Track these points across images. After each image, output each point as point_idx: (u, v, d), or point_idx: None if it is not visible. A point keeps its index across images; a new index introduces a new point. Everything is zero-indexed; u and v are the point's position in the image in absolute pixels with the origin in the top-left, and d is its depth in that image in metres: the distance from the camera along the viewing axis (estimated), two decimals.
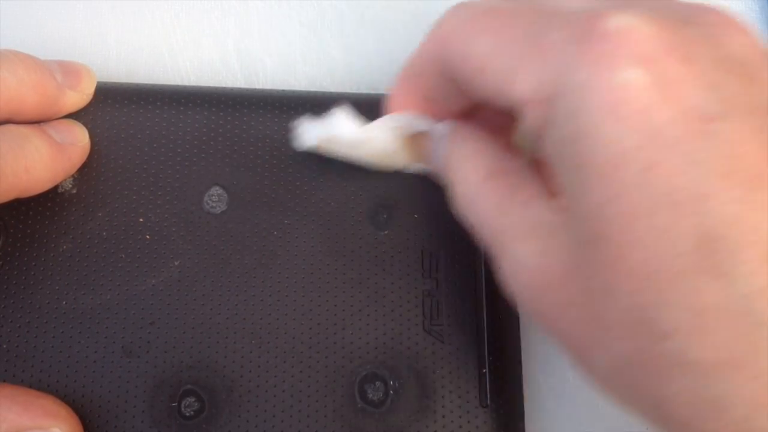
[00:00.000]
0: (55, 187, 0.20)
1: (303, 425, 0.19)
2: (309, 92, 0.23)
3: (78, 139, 0.20)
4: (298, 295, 0.20)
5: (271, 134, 0.22)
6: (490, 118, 0.19)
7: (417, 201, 0.21)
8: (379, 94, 0.23)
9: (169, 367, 0.19)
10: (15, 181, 0.18)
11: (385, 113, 0.20)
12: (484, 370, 0.20)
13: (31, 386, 0.19)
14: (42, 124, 0.20)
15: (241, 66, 0.24)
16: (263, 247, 0.21)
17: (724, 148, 0.13)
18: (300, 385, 0.19)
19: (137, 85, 0.22)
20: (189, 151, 0.21)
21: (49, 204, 0.20)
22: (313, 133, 0.21)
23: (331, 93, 0.23)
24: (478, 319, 0.20)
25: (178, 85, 0.23)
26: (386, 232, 0.21)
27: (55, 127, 0.20)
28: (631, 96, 0.14)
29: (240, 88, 0.23)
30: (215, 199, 0.21)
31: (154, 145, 0.21)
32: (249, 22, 0.25)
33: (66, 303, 0.20)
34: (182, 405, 0.19)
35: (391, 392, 0.20)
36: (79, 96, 0.21)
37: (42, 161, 0.19)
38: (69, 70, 0.20)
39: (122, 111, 0.21)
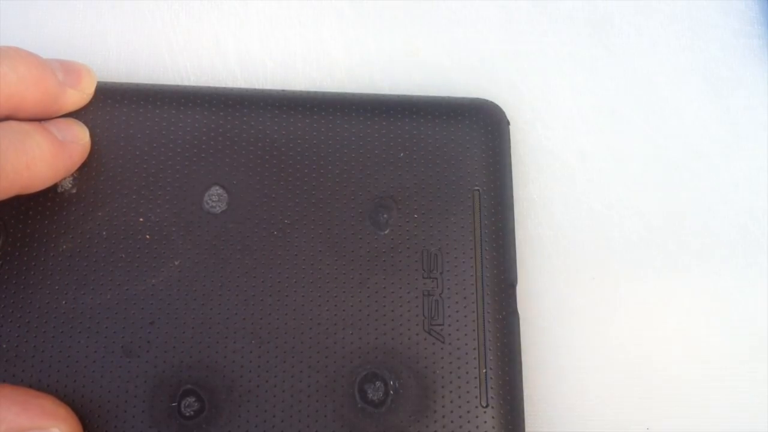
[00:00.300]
0: (55, 187, 0.20)
1: (303, 425, 0.19)
2: (309, 92, 0.23)
3: (79, 137, 0.20)
4: (298, 295, 0.20)
5: (271, 134, 0.22)
6: None
7: (417, 201, 0.21)
8: (379, 94, 0.23)
9: (168, 367, 0.19)
10: (16, 178, 0.18)
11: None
12: (484, 370, 0.20)
13: (30, 386, 0.19)
14: (43, 122, 0.20)
15: (241, 66, 0.24)
16: (263, 247, 0.21)
17: None
18: (300, 385, 0.19)
19: (137, 85, 0.22)
20: (189, 151, 0.21)
21: (48, 203, 0.20)
22: None
23: (331, 93, 0.23)
24: (478, 319, 0.20)
25: (178, 85, 0.23)
26: (386, 232, 0.21)
27: (56, 125, 0.20)
28: None
29: (240, 88, 0.23)
30: (215, 199, 0.21)
31: (154, 145, 0.21)
32: (249, 22, 0.25)
33: (66, 303, 0.20)
34: (182, 405, 0.19)
35: (391, 392, 0.20)
36: (80, 95, 0.21)
37: (43, 158, 0.19)
38: (70, 69, 0.20)
39: (122, 111, 0.21)
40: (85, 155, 0.20)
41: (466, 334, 0.20)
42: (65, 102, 0.20)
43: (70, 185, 0.21)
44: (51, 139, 0.19)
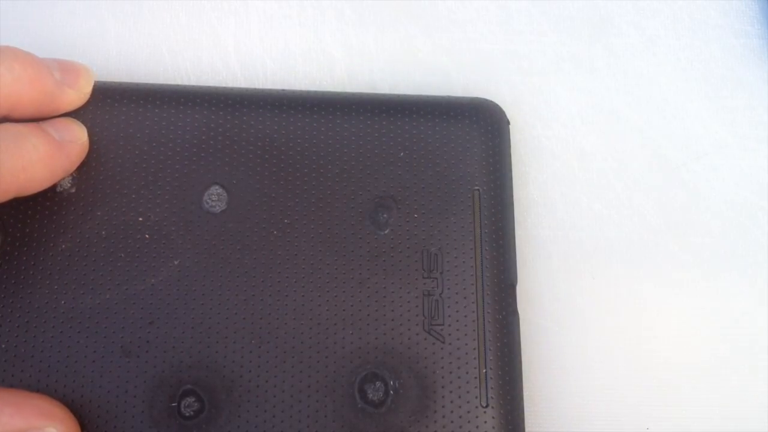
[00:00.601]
0: (54, 186, 0.20)
1: (303, 425, 0.19)
2: (309, 92, 0.23)
3: (77, 137, 0.20)
4: (298, 295, 0.20)
5: (271, 134, 0.21)
6: None
7: (417, 201, 0.21)
8: (379, 94, 0.23)
9: (168, 367, 0.19)
10: (13, 180, 0.18)
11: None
12: (484, 370, 0.20)
13: (29, 386, 0.19)
14: (40, 122, 0.20)
15: (241, 66, 0.24)
16: (263, 246, 0.20)
17: None
18: (300, 385, 0.19)
19: (137, 84, 0.22)
20: (189, 150, 0.21)
21: (48, 203, 0.20)
22: None
23: (331, 93, 0.23)
24: (478, 319, 0.20)
25: (178, 85, 0.23)
26: (386, 232, 0.21)
27: (53, 125, 0.20)
28: None
29: (240, 88, 0.23)
30: (215, 198, 0.21)
31: (154, 145, 0.21)
32: (249, 22, 0.25)
33: (65, 303, 0.20)
34: (182, 405, 0.19)
35: (391, 392, 0.20)
36: (77, 94, 0.21)
37: (40, 160, 0.19)
38: (67, 68, 0.20)
39: (122, 110, 0.21)
40: (83, 155, 0.20)
41: (466, 334, 0.20)
42: (63, 101, 0.20)
43: (69, 185, 0.20)
44: (48, 140, 0.19)
